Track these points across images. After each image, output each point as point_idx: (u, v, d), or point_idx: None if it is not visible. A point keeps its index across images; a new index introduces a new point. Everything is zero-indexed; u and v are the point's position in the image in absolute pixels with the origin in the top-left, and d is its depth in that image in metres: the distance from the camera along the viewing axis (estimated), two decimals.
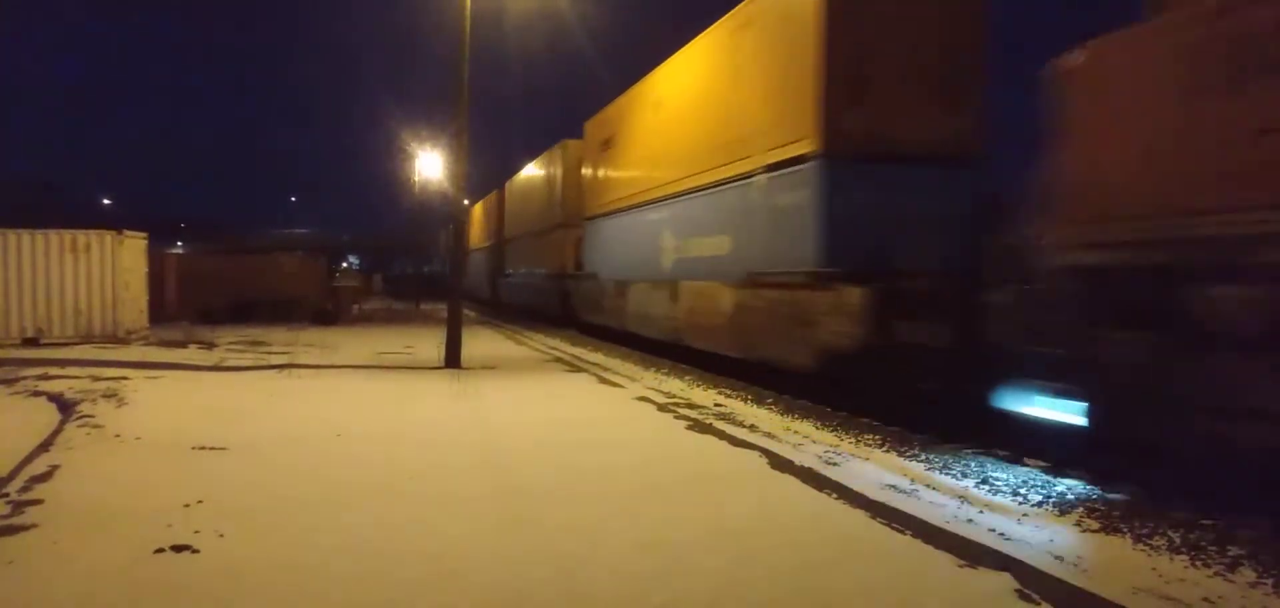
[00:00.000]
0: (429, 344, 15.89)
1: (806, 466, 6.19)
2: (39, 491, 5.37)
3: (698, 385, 11.43)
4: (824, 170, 9.22)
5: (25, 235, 16.32)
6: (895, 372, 8.16)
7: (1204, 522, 4.94)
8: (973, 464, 6.58)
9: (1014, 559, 4.16)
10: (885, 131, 9.24)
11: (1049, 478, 6.08)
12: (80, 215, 27.81)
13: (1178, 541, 4.71)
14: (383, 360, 13.74)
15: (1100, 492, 5.67)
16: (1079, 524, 5.05)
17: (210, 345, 16.16)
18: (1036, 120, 6.18)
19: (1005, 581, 3.96)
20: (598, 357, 15.31)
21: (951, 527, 4.72)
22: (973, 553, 4.31)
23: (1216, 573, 4.24)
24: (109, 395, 9.58)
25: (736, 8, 11.61)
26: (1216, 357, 4.89)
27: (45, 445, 6.82)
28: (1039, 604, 3.73)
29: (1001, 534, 4.71)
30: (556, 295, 22.75)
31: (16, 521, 4.72)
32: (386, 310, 31.79)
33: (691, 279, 12.96)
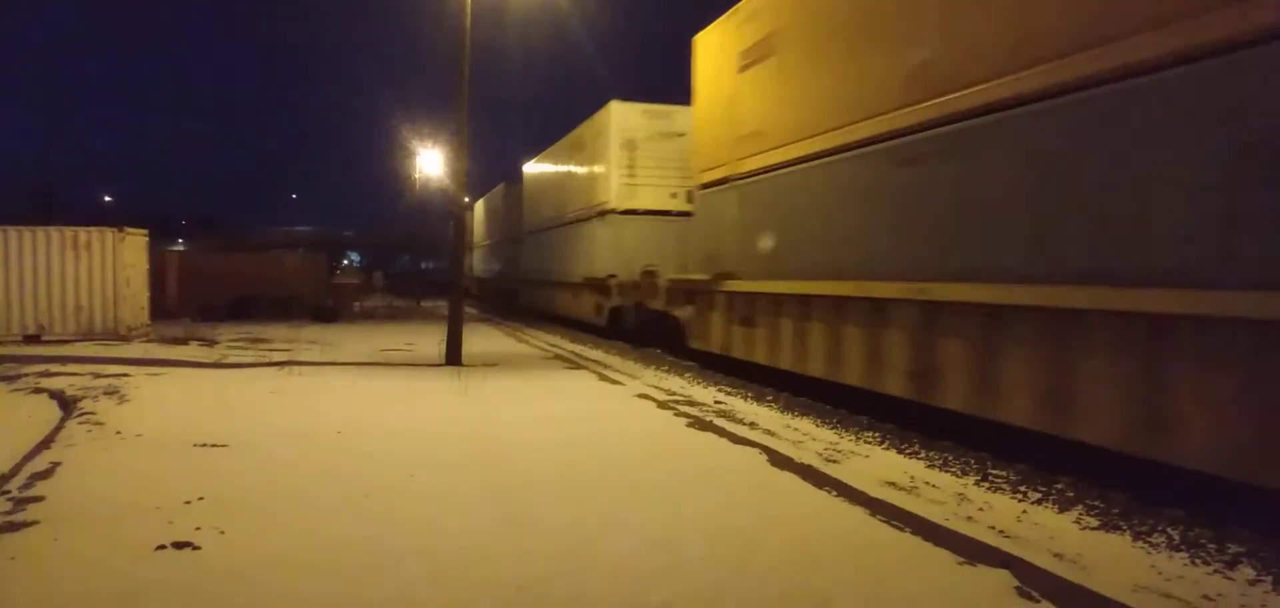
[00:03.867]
0: (429, 341, 15.91)
1: (806, 463, 6.20)
2: (40, 487, 5.39)
3: (698, 383, 11.44)
4: None
5: (26, 233, 16.33)
6: None
7: (1203, 520, 4.95)
8: (972, 461, 6.58)
9: (1014, 557, 4.17)
10: None
11: (1048, 475, 6.08)
12: (81, 212, 27.88)
13: (1177, 538, 4.72)
14: (383, 357, 13.75)
15: (1099, 489, 5.67)
16: (1078, 521, 5.06)
17: (211, 342, 16.17)
18: None
19: (1005, 578, 3.96)
20: (598, 354, 15.32)
21: (951, 524, 4.73)
22: (972, 550, 4.32)
23: (1216, 571, 4.25)
24: (110, 392, 9.60)
25: None
26: None
27: (47, 442, 6.83)
28: (1039, 602, 3.73)
29: (1001, 531, 4.72)
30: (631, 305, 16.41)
31: (18, 517, 4.73)
32: (387, 308, 31.79)
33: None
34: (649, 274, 15.34)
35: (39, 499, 5.10)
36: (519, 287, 29.01)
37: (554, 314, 23.15)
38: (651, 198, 17.19)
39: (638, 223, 17.15)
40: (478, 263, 41.66)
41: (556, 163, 23.12)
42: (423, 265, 68.52)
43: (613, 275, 17.10)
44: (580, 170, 19.99)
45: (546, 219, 24.10)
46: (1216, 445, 4.76)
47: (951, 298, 6.88)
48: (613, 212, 17.28)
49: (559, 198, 22.42)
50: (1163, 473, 5.53)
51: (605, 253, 17.49)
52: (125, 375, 11.16)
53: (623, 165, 17.11)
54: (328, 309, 23.93)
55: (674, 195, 16.76)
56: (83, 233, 16.71)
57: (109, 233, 16.93)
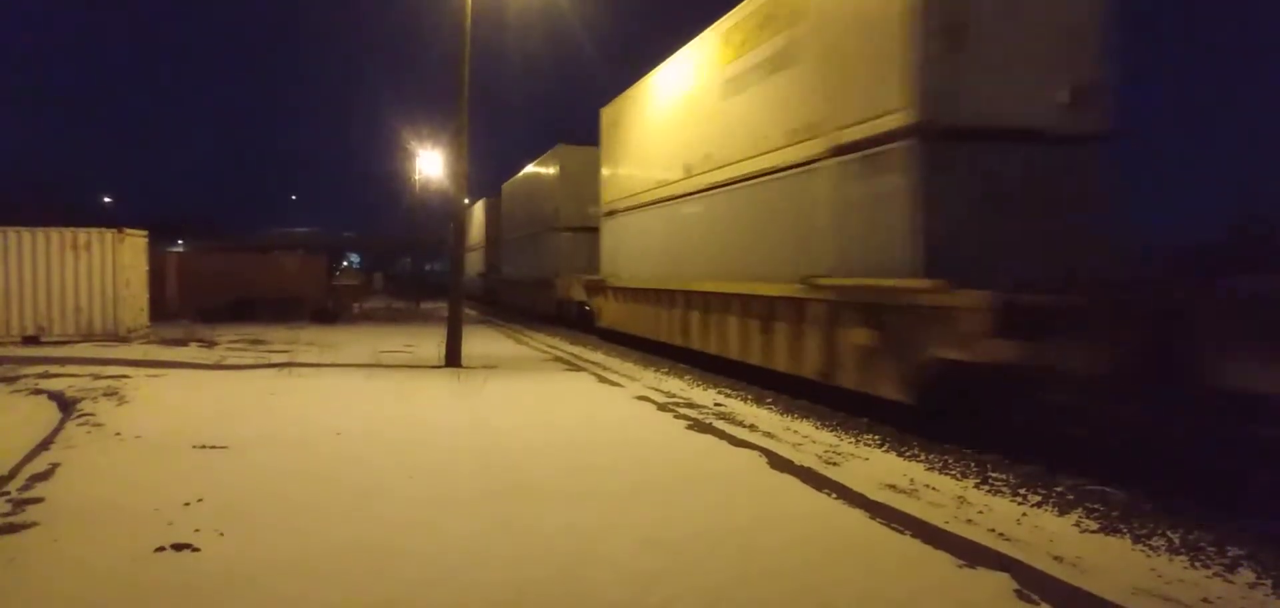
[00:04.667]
0: (429, 343, 15.90)
1: (806, 465, 6.19)
2: (40, 489, 5.38)
3: (697, 385, 11.43)
4: None
5: (26, 233, 16.34)
6: None
7: (1203, 523, 4.95)
8: (972, 464, 6.58)
9: (1013, 560, 4.16)
10: None
11: (1048, 478, 6.07)
12: (81, 214, 27.85)
13: (1177, 541, 4.72)
14: (383, 359, 13.74)
15: (1099, 492, 5.67)
16: (1078, 524, 5.06)
17: (211, 344, 16.17)
18: None
19: (1005, 581, 3.96)
20: (597, 356, 15.31)
21: (951, 527, 4.73)
22: (972, 553, 4.31)
23: (1215, 574, 4.25)
24: (109, 394, 9.59)
25: None
26: None
27: (46, 444, 6.83)
28: (1038, 605, 3.73)
29: (1001, 534, 4.71)
30: None
31: (17, 519, 4.73)
32: (387, 309, 31.77)
33: None
34: None
35: (38, 501, 5.09)
36: (602, 296, 18.05)
37: (738, 360, 11.19)
38: (1010, 100, 7.50)
39: (1005, 155, 7.49)
40: (506, 262, 32.91)
41: (724, 59, 11.59)
42: (427, 268, 68.41)
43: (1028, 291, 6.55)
44: (801, 60, 9.42)
45: (698, 172, 12.40)
46: None
47: None
48: (930, 132, 7.39)
49: (743, 123, 10.87)
50: (1161, 478, 5.53)
51: (894, 226, 7.65)
52: (125, 377, 11.15)
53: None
54: (327, 311, 23.92)
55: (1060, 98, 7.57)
56: (82, 234, 16.71)
57: (108, 234, 16.93)
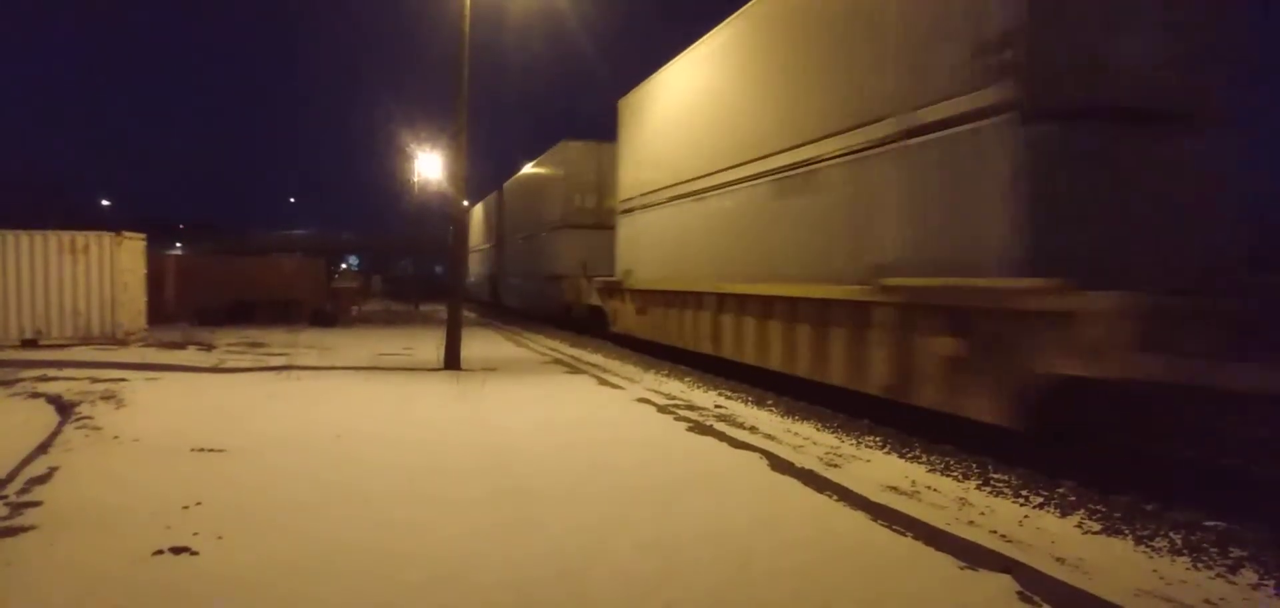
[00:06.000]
0: (428, 346, 15.87)
1: (807, 467, 6.18)
2: (37, 492, 5.36)
3: (698, 387, 11.42)
4: None
5: (24, 236, 16.30)
6: None
7: (1205, 524, 4.93)
8: (974, 466, 6.56)
9: (1015, 561, 4.15)
10: None
11: (1050, 479, 6.06)
12: (79, 216, 27.83)
13: (1179, 542, 4.71)
14: (382, 362, 13.72)
15: (1101, 493, 5.65)
16: (1080, 526, 5.05)
17: (209, 347, 16.14)
18: None
19: (1006, 583, 3.95)
20: (597, 358, 15.29)
21: (953, 528, 4.71)
22: (974, 555, 4.30)
23: (1218, 575, 4.24)
24: (107, 397, 9.57)
25: None
26: None
27: (44, 447, 6.80)
28: (1040, 606, 3.72)
29: (1003, 536, 4.70)
30: None
31: (15, 522, 4.71)
32: (386, 312, 31.74)
33: None
34: None
35: (36, 504, 5.07)
36: (618, 299, 16.44)
37: None
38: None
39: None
40: (510, 262, 27.31)
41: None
42: (436, 269, 67.79)
43: None
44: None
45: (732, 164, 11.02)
46: None
47: None
48: None
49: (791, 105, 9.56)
50: (1164, 478, 5.52)
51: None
52: (123, 380, 11.12)
53: None
54: (326, 313, 23.87)
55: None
56: (81, 237, 16.68)
57: (107, 237, 16.90)
